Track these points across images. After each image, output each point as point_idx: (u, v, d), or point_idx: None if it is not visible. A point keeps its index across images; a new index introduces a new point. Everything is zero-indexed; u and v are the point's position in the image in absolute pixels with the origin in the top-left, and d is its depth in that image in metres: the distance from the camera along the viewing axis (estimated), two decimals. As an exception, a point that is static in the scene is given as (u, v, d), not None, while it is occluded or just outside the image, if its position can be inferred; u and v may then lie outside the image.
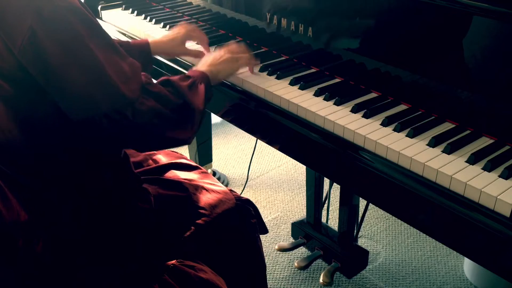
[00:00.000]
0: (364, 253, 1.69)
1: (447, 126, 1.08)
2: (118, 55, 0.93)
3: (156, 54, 1.38)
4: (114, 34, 1.74)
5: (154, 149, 1.19)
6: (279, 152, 1.47)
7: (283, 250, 1.79)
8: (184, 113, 1.03)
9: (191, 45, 1.47)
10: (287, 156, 1.39)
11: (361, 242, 1.97)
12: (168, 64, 1.50)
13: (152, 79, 1.04)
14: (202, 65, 1.21)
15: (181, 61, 1.47)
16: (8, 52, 0.84)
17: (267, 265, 1.43)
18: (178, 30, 1.40)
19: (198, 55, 1.40)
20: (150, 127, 0.96)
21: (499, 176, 0.91)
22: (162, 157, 1.33)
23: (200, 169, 1.33)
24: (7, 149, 0.93)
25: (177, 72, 1.48)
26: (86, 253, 1.02)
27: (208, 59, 1.23)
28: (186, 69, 1.45)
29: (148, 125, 0.96)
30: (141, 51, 1.32)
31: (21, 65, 0.85)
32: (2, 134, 0.91)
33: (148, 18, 1.72)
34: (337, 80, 1.29)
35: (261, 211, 1.34)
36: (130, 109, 0.92)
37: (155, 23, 1.68)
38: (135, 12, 1.79)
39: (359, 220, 1.72)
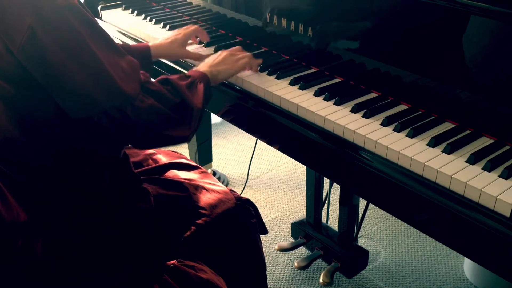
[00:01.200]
0: (364, 253, 1.69)
1: (447, 126, 1.08)
2: (117, 54, 0.94)
3: (156, 58, 1.39)
4: (114, 34, 1.74)
5: (153, 146, 1.20)
6: (279, 152, 1.47)
7: (283, 250, 1.79)
8: (182, 111, 1.03)
9: (194, 48, 1.47)
10: (287, 156, 1.40)
11: (361, 242, 1.96)
12: (168, 64, 1.50)
13: (151, 78, 1.04)
14: (202, 66, 1.22)
15: (181, 61, 1.47)
16: (7, 51, 0.85)
17: (267, 265, 1.43)
18: (177, 32, 1.41)
19: (199, 58, 1.41)
20: (149, 125, 0.97)
21: (499, 176, 0.91)
22: (162, 157, 1.33)
23: (200, 169, 1.33)
24: (7, 148, 0.93)
25: (176, 71, 1.48)
26: (86, 253, 1.02)
27: (209, 60, 1.24)
28: (186, 69, 1.45)
29: (147, 122, 0.96)
30: (142, 55, 1.33)
31: (21, 64, 0.85)
32: (1, 134, 0.91)
33: (148, 18, 1.72)
34: (337, 80, 1.29)
35: (261, 211, 1.35)
36: (129, 107, 0.93)
37: (155, 23, 1.68)
38: (135, 12, 1.79)
39: (359, 220, 1.72)
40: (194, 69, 1.21)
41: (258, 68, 1.33)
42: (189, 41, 1.46)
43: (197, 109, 1.06)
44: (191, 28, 1.43)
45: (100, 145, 1.00)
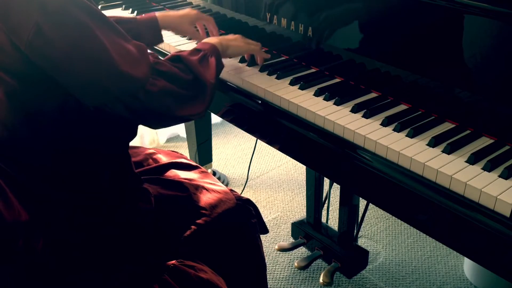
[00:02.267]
0: (364, 253, 1.69)
1: (447, 126, 1.08)
2: (124, 39, 0.94)
3: (164, 28, 1.38)
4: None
5: (169, 125, 1.20)
6: (279, 152, 1.47)
7: (283, 250, 1.79)
8: (196, 88, 1.03)
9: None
10: (287, 156, 1.40)
11: (361, 242, 1.97)
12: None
13: (160, 57, 1.04)
14: (212, 38, 1.22)
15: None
16: (13, 48, 0.85)
17: (267, 265, 1.43)
18: (190, 10, 1.42)
19: (203, 39, 1.40)
20: (164, 107, 0.98)
21: (499, 176, 0.91)
22: (162, 157, 1.33)
23: (200, 168, 1.33)
24: (9, 146, 0.93)
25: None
26: (86, 253, 1.02)
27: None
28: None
29: (161, 105, 0.97)
30: (149, 26, 1.33)
31: (27, 60, 0.86)
32: (5, 130, 0.92)
33: (148, 17, 1.72)
34: (337, 80, 1.29)
35: (261, 211, 1.35)
36: (141, 91, 0.93)
37: (155, 23, 1.68)
38: (135, 12, 1.79)
39: (359, 220, 1.72)
40: (204, 41, 1.20)
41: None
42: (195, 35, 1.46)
43: (211, 84, 1.06)
44: (205, 15, 1.43)
45: (104, 141, 1.01)
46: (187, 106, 1.02)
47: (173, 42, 1.54)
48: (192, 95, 1.03)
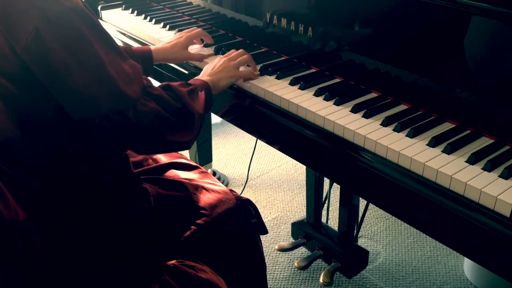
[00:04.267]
0: (364, 253, 1.69)
1: (447, 126, 1.08)
2: (120, 57, 0.94)
3: (158, 61, 1.39)
4: (114, 34, 1.74)
5: (154, 152, 1.20)
6: (279, 152, 1.47)
7: (283, 250, 1.79)
8: (183, 117, 1.03)
9: (195, 48, 1.48)
10: (287, 156, 1.40)
11: (361, 242, 1.97)
12: (168, 65, 1.50)
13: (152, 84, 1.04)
14: (202, 75, 1.22)
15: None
16: (12, 51, 0.85)
17: (267, 265, 1.43)
18: (180, 35, 1.42)
19: (201, 59, 1.41)
20: (151, 129, 0.97)
21: (499, 176, 0.91)
22: (162, 157, 1.33)
23: (200, 169, 1.33)
24: (7, 148, 0.93)
25: (177, 72, 1.48)
26: (86, 253, 1.02)
27: (208, 68, 1.25)
28: (187, 70, 1.45)
29: (148, 126, 0.96)
30: (143, 58, 1.33)
31: (24, 65, 0.86)
32: (2, 134, 0.91)
33: (148, 18, 1.72)
34: (337, 80, 1.29)
35: (261, 211, 1.34)
36: (131, 110, 0.93)
37: (155, 23, 1.68)
38: (135, 12, 1.79)
39: (359, 220, 1.72)
40: (196, 78, 1.21)
41: (258, 72, 1.32)
42: (193, 41, 1.46)
43: (198, 115, 1.06)
44: (194, 31, 1.43)
45: (100, 147, 1.00)
46: (175, 132, 1.01)
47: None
48: (180, 122, 1.02)
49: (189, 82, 1.14)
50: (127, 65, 0.95)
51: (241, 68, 1.29)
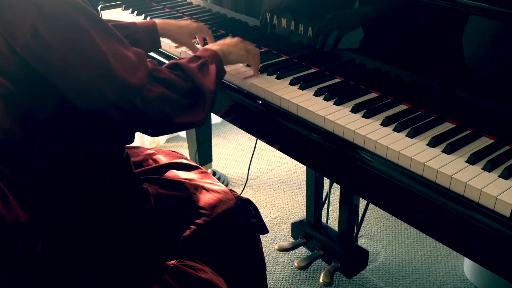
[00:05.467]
0: (364, 253, 1.69)
1: (447, 126, 1.08)
2: (122, 45, 0.93)
3: (162, 36, 1.37)
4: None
5: (167, 133, 1.18)
6: (279, 152, 1.47)
7: (283, 250, 1.79)
8: (194, 96, 1.02)
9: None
10: (287, 156, 1.40)
11: (361, 242, 1.97)
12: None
13: (158, 65, 1.03)
14: (213, 44, 1.20)
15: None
16: (10, 50, 0.84)
17: (267, 265, 1.43)
18: (190, 22, 1.41)
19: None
20: (161, 114, 0.96)
21: (499, 176, 0.91)
22: (162, 157, 1.33)
23: (200, 169, 1.33)
24: (7, 148, 0.93)
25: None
26: (86, 253, 1.02)
27: (220, 41, 1.23)
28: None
29: (158, 112, 0.96)
30: (148, 31, 1.32)
31: (23, 63, 0.85)
32: (3, 134, 0.91)
33: (148, 18, 1.72)
34: (337, 80, 1.29)
35: (261, 211, 1.35)
36: (138, 97, 0.92)
37: (155, 23, 1.68)
38: (135, 12, 1.79)
39: (359, 220, 1.72)
40: (206, 47, 1.19)
41: (258, 71, 1.32)
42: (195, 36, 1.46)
43: (210, 92, 1.05)
44: (206, 29, 1.42)
45: (101, 144, 1.00)
46: (186, 113, 1.01)
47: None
48: (191, 102, 1.01)
49: (198, 53, 1.12)
50: (130, 52, 0.94)
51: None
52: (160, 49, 1.53)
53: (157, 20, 1.35)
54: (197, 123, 1.04)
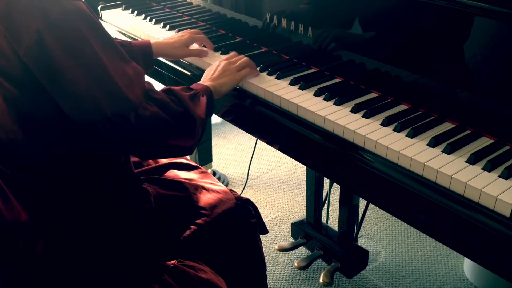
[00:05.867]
0: (364, 253, 1.69)
1: (447, 126, 1.08)
2: (122, 60, 0.94)
3: (158, 56, 1.39)
4: (114, 34, 1.74)
5: (156, 156, 1.19)
6: (279, 152, 1.47)
7: (283, 250, 1.79)
8: (185, 121, 1.02)
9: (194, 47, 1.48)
10: (287, 156, 1.40)
11: (361, 242, 1.97)
12: (168, 64, 1.50)
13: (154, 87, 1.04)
14: (204, 80, 1.22)
15: (182, 61, 1.47)
16: (14, 53, 0.85)
17: (267, 265, 1.43)
18: (182, 34, 1.42)
19: (200, 54, 1.41)
20: (152, 133, 0.96)
21: (499, 176, 0.91)
22: (162, 157, 1.33)
23: (200, 169, 1.33)
24: (8, 149, 0.93)
25: (177, 72, 1.48)
26: (86, 253, 1.02)
27: (209, 73, 1.23)
28: (186, 69, 1.46)
29: (150, 130, 0.95)
30: (143, 51, 1.33)
31: (26, 66, 0.85)
32: (4, 135, 0.91)
33: (148, 18, 1.72)
34: (337, 80, 1.29)
35: (261, 211, 1.35)
36: (133, 113, 0.92)
37: (155, 23, 1.68)
38: (135, 12, 1.79)
39: (359, 220, 1.72)
40: (197, 83, 1.20)
41: (258, 73, 1.32)
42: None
43: (200, 119, 1.05)
44: (198, 35, 1.43)
45: (100, 150, 1.00)
46: (175, 137, 1.01)
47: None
48: (181, 127, 1.01)
49: (191, 87, 1.14)
50: (129, 68, 0.94)
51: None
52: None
53: (152, 41, 1.37)
54: (186, 149, 1.04)
